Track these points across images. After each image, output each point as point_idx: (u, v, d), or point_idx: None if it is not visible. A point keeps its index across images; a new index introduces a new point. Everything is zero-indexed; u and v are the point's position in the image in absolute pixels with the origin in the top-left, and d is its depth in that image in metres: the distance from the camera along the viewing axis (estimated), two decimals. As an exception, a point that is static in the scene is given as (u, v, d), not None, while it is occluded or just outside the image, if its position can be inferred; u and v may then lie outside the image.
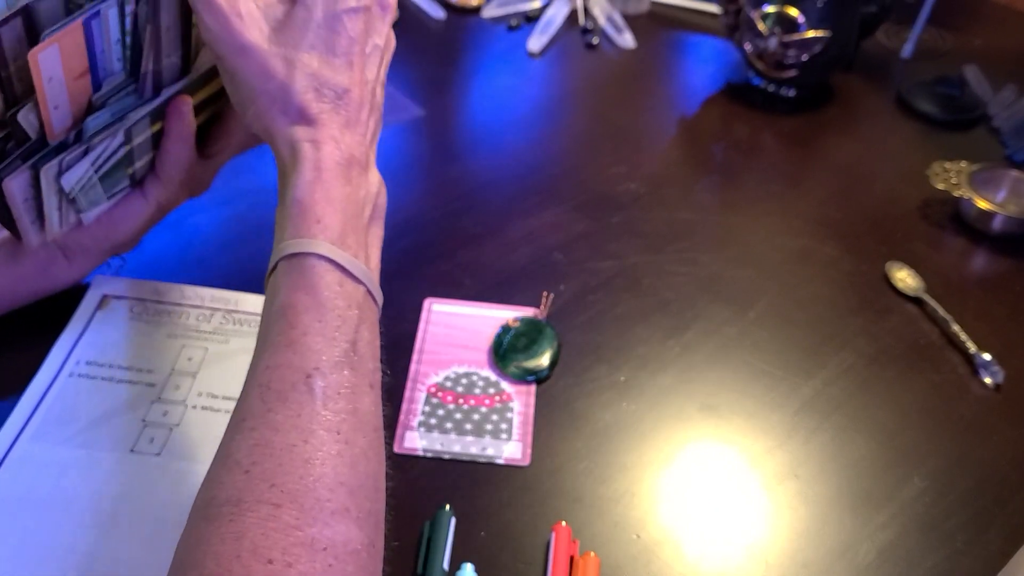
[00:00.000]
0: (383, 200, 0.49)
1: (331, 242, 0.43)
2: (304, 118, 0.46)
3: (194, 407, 0.55)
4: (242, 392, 0.41)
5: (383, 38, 0.50)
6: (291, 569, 0.34)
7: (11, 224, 0.51)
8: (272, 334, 0.41)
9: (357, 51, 0.48)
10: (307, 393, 0.39)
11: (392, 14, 0.51)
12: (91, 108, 0.49)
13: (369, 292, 0.44)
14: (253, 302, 0.62)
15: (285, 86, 0.46)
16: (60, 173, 0.49)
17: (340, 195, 0.45)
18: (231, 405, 0.54)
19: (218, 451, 0.39)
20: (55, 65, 0.44)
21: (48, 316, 0.60)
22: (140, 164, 0.55)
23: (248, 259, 0.68)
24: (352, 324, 0.42)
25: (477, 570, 0.48)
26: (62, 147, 0.49)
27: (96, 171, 0.51)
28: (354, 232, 0.45)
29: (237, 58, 0.46)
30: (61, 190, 0.50)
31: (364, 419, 0.41)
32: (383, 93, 0.52)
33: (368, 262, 0.45)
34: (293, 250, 0.43)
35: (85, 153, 0.49)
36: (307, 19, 0.47)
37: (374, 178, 0.49)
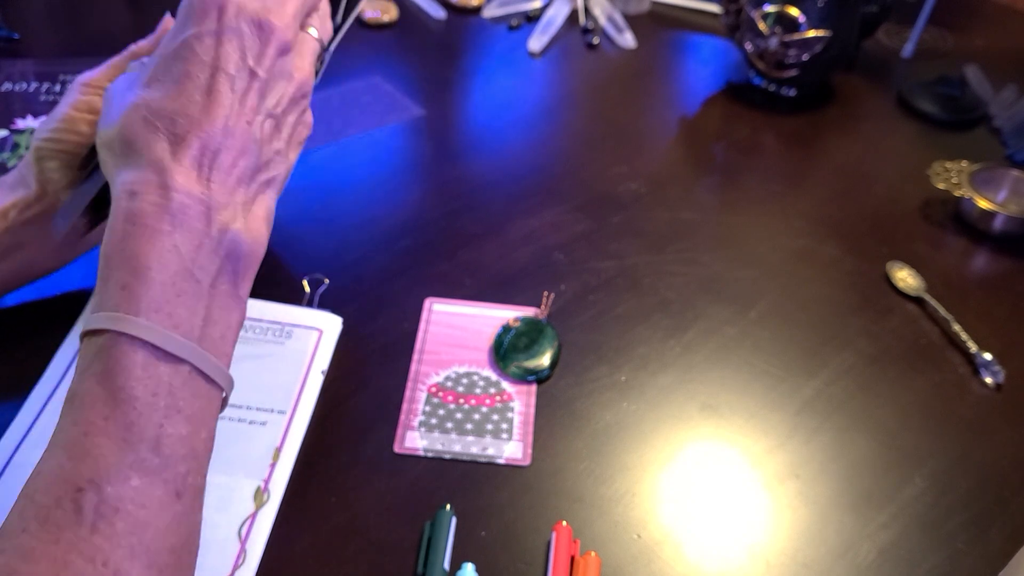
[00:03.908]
0: (251, 251, 0.41)
1: (137, 313, 0.36)
2: (130, 154, 0.39)
3: None
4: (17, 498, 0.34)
5: (264, 65, 0.42)
6: None
7: (68, 213, 0.52)
8: (56, 430, 0.35)
9: (223, 79, 0.40)
10: (73, 512, 0.32)
11: (278, 37, 0.43)
12: None
13: (198, 371, 0.37)
14: (259, 308, 0.61)
15: (117, 121, 0.40)
16: None
17: (161, 251, 0.37)
18: (234, 413, 0.54)
19: None
20: None
21: (52, 321, 0.60)
22: None
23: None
24: (155, 418, 0.35)
25: (478, 570, 0.48)
26: None
27: None
28: (182, 296, 0.37)
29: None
30: None
31: (153, 540, 0.34)
32: (289, 128, 0.44)
33: (204, 331, 0.38)
34: (90, 326, 0.36)
35: None
36: (157, 54, 0.42)
37: (237, 224, 0.40)
